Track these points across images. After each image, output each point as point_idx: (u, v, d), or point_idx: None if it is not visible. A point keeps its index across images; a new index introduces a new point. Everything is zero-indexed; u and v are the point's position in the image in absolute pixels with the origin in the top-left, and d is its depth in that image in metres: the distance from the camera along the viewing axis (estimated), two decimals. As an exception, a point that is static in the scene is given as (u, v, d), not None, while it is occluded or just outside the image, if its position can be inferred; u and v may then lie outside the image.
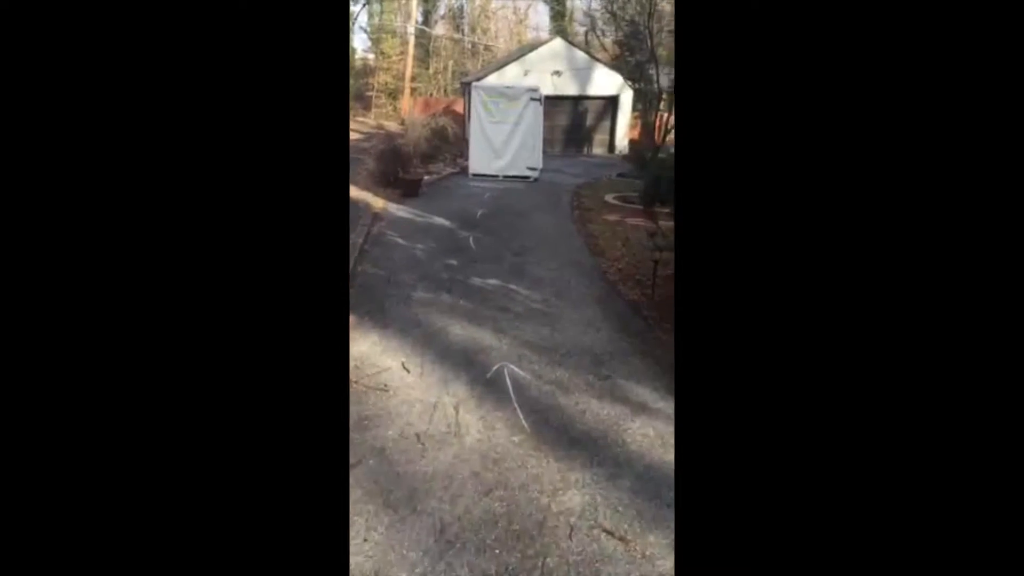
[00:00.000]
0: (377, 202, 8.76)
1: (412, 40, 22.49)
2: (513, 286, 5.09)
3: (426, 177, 10.77)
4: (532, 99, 11.51)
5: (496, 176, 11.66)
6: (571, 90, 17.43)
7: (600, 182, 11.82)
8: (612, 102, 17.51)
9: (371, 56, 32.14)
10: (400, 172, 9.40)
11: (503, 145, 11.63)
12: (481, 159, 11.75)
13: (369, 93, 29.68)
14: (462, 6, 32.16)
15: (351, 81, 32.09)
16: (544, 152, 14.46)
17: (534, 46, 19.25)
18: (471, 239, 6.67)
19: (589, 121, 17.93)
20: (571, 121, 17.88)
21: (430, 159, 12.86)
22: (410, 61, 21.92)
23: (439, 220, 7.69)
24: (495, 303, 4.65)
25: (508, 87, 11.92)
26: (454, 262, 5.77)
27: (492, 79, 16.12)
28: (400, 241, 6.55)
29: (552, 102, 16.97)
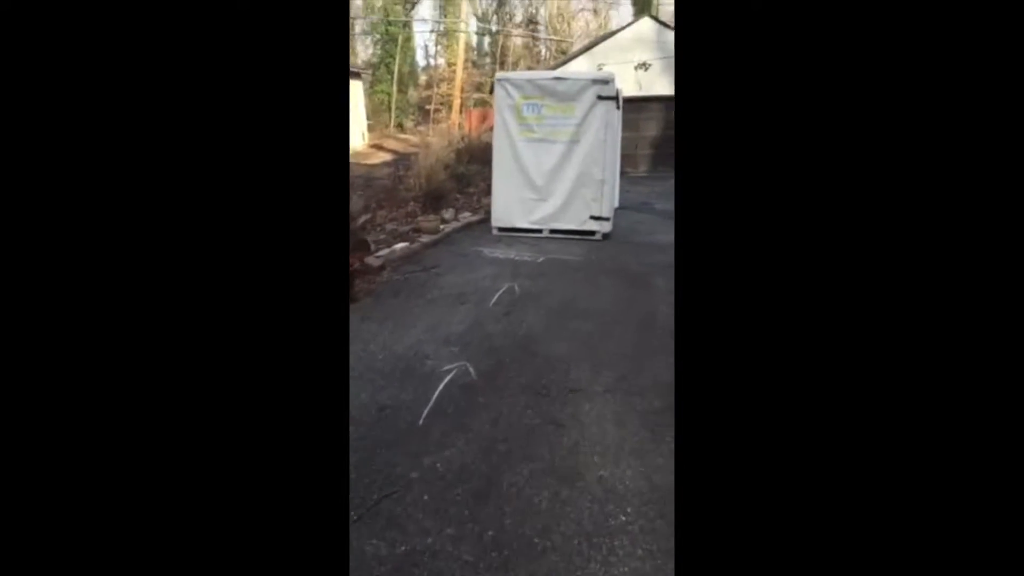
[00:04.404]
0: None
1: (462, 41, 17.66)
2: None
3: (403, 246, 5.73)
4: (600, 97, 6.16)
5: (537, 231, 6.44)
6: (662, 88, 11.82)
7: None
8: (722, 102, 11.74)
9: (437, 65, 28.40)
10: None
11: (549, 178, 6.35)
12: (509, 204, 6.51)
13: (428, 107, 25.69)
14: (538, 10, 27.54)
15: (417, 93, 28.46)
16: (622, 173, 8.98)
17: (612, 33, 13.82)
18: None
19: (688, 129, 12.24)
20: (662, 130, 12.27)
21: (442, 200, 7.86)
22: (460, 64, 17.04)
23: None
24: None
25: (557, 78, 6.39)
26: None
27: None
28: None
29: (635, 106, 11.47)
